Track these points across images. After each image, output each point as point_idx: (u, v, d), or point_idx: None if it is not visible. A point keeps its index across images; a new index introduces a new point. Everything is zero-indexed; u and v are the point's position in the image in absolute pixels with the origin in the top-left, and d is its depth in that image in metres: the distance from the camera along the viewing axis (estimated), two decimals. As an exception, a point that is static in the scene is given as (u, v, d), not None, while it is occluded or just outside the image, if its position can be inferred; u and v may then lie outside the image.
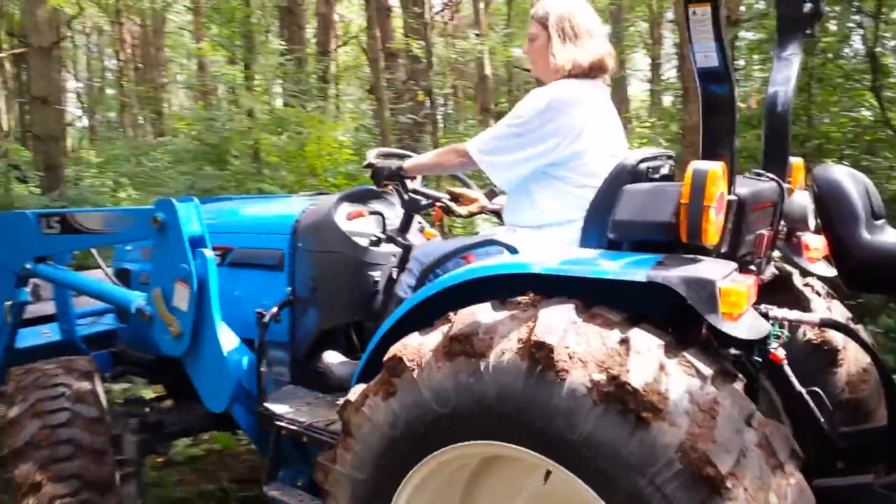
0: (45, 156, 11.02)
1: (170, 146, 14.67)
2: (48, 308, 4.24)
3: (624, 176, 2.47)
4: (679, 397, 1.89)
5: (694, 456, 1.81)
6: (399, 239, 3.21)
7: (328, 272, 3.33)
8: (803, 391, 2.50)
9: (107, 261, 4.39)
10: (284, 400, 3.25)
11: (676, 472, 1.82)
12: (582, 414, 1.93)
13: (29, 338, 4.13)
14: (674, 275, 2.04)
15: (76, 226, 3.75)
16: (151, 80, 23.18)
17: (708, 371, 1.97)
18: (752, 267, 2.52)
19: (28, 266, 3.88)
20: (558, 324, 2.05)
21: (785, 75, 2.94)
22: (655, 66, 23.04)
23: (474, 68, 16.53)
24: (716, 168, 2.14)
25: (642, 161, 2.52)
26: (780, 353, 2.33)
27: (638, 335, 2.02)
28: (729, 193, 2.25)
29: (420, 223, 3.68)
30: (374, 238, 3.33)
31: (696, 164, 2.16)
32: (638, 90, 27.30)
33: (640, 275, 2.06)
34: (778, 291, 2.76)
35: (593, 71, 2.84)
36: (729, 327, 2.00)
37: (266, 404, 3.18)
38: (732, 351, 2.30)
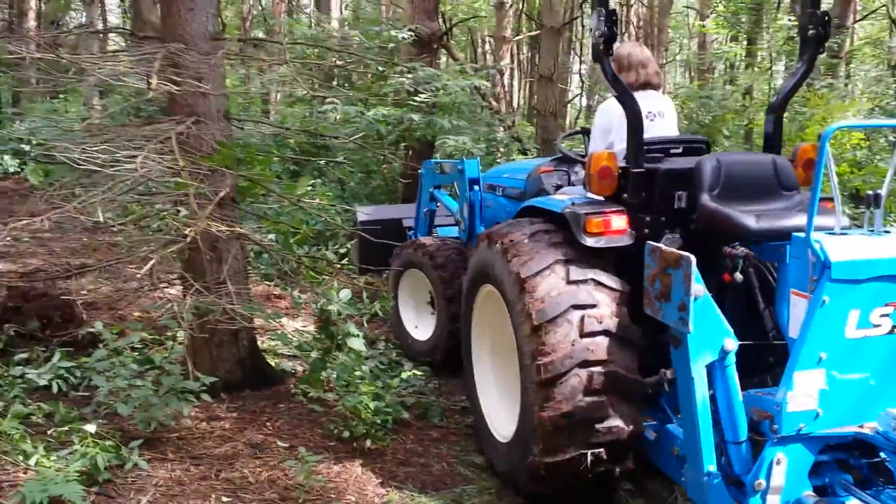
0: (543, 130, 11.69)
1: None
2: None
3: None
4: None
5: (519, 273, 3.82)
6: (570, 187, 4.90)
7: None
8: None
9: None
10: None
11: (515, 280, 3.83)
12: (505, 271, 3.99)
13: (449, 232, 6.72)
14: (572, 210, 3.83)
15: (444, 170, 6.51)
16: (651, 60, 23.36)
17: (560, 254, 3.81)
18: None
19: (431, 190, 6.87)
20: (509, 235, 4.03)
21: (791, 82, 4.24)
22: None
23: None
24: (600, 153, 3.92)
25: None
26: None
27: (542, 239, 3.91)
28: (636, 168, 3.86)
29: None
30: (556, 185, 4.98)
31: (593, 152, 4.03)
32: None
33: (559, 208, 3.97)
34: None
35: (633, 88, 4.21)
36: (586, 240, 3.72)
37: None
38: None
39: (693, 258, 2.98)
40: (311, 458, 4.24)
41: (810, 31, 4.06)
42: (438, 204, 6.91)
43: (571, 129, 5.51)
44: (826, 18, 4.03)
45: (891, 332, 3.09)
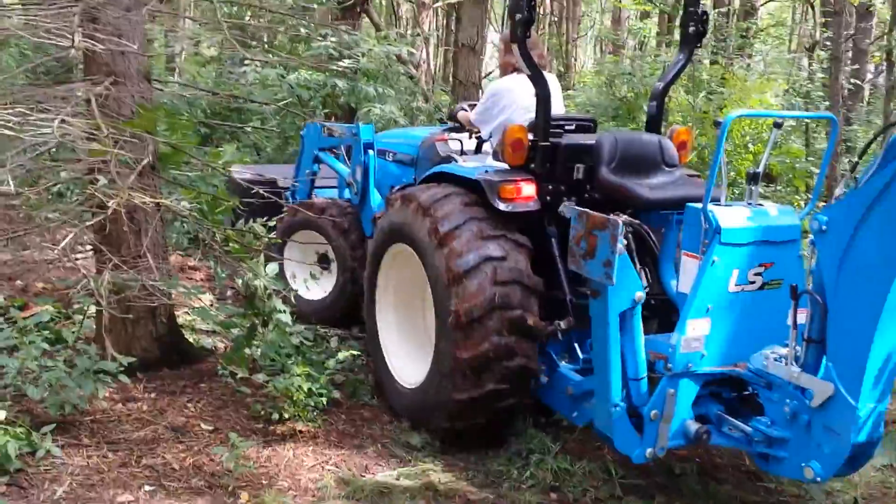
0: (466, 100, 11.51)
1: (577, 98, 14.58)
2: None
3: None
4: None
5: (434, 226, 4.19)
6: (465, 155, 5.28)
7: (427, 169, 5.05)
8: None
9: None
10: None
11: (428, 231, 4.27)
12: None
13: (327, 194, 6.93)
14: (486, 178, 4.22)
15: (333, 132, 6.67)
16: (563, 33, 23.51)
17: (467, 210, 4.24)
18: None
19: (315, 152, 6.93)
20: (431, 199, 4.31)
21: (672, 72, 4.87)
22: None
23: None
24: (514, 126, 4.32)
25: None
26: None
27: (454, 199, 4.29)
28: (543, 142, 4.30)
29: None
30: (451, 153, 5.31)
31: (509, 125, 4.40)
32: None
33: (473, 175, 4.33)
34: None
35: (517, 69, 4.77)
36: (500, 204, 4.13)
37: None
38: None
39: (620, 221, 3.38)
40: (241, 443, 4.02)
41: (690, 28, 4.63)
42: (321, 166, 7.01)
43: (459, 105, 5.81)
44: (704, 17, 4.62)
45: (761, 287, 3.65)
